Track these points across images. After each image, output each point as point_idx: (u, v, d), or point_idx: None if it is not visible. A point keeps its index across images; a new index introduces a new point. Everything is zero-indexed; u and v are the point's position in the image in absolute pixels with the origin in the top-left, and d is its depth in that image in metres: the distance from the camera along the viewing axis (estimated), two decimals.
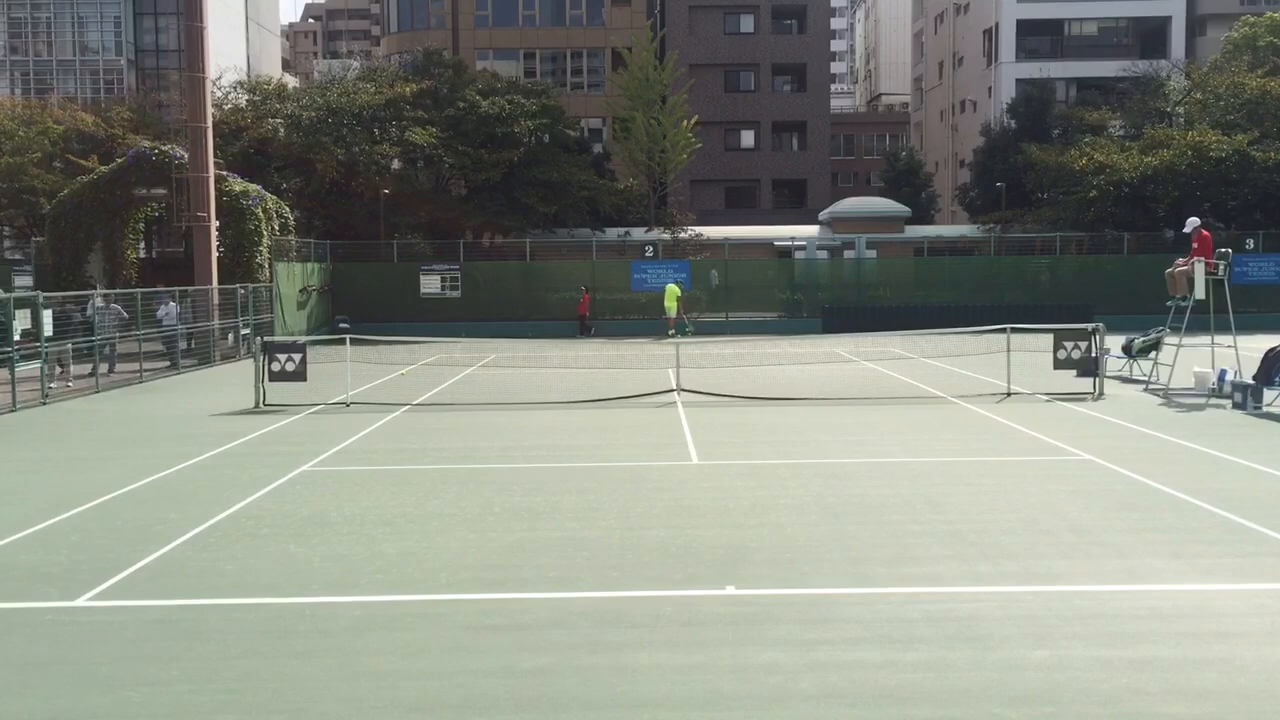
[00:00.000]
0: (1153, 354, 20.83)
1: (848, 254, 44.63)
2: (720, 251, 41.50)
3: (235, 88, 44.55)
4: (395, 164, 43.70)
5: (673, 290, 35.88)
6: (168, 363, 25.48)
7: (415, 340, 28.88)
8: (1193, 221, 19.79)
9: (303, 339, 22.05)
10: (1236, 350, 19.49)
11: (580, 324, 37.56)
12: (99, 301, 23.25)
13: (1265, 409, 16.48)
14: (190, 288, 27.52)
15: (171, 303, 25.74)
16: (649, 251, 40.49)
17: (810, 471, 12.18)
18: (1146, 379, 20.38)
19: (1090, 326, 18.87)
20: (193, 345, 26.83)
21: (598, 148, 52.63)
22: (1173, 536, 9.10)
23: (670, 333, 35.34)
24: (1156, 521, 9.63)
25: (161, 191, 30.59)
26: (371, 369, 24.17)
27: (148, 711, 5.79)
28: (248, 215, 31.14)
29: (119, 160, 32.23)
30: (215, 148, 30.99)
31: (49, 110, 44.77)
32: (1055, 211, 43.40)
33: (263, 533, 9.58)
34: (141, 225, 34.28)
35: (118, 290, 25.17)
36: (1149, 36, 59.88)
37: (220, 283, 28.89)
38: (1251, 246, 38.54)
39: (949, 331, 26.87)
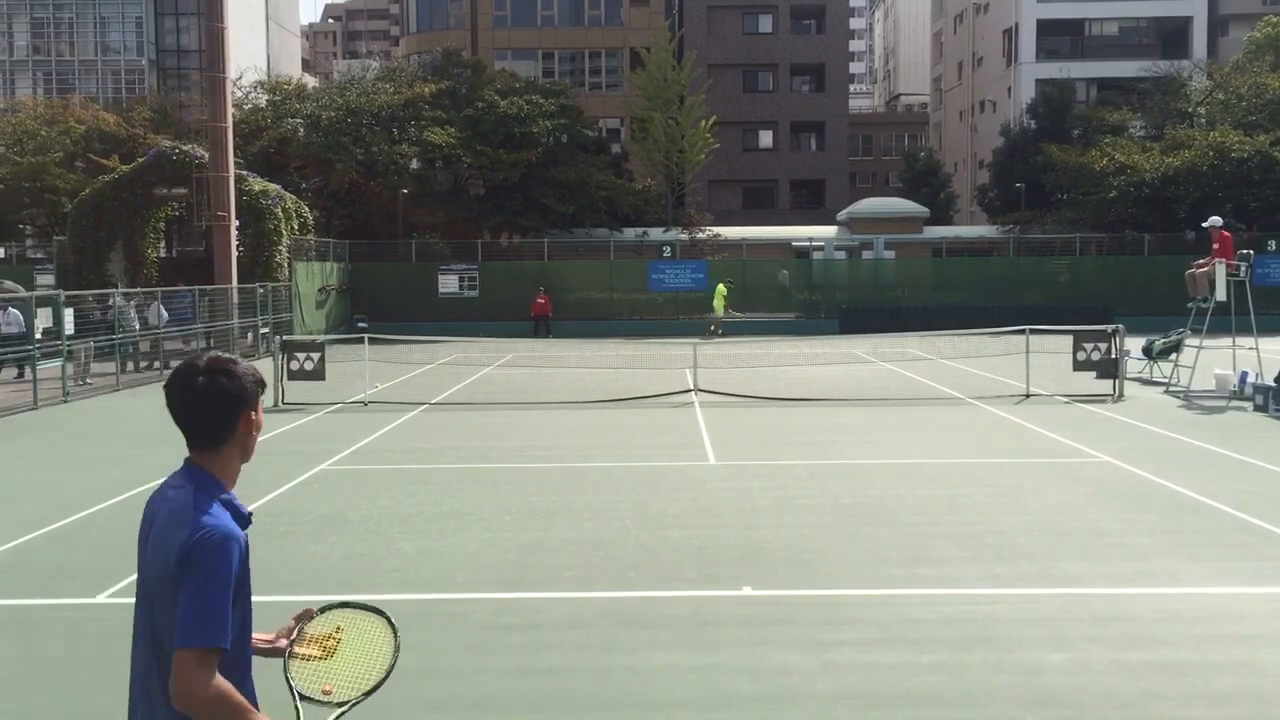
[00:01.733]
0: (1173, 356, 20.69)
1: (866, 254, 44.54)
2: (738, 252, 41.50)
3: (255, 88, 44.80)
4: (414, 164, 43.86)
5: (721, 290, 36.26)
6: (141, 365, 24.44)
7: (433, 340, 28.98)
8: (1215, 220, 19.58)
9: (321, 338, 22.14)
10: (1258, 352, 19.35)
11: (535, 324, 37.51)
12: (119, 300, 23.40)
13: None
14: (210, 286, 27.67)
15: (156, 303, 24.88)
16: (666, 252, 40.52)
17: (827, 472, 12.15)
18: (1167, 381, 20.25)
19: (1110, 328, 18.77)
20: (211, 343, 26.90)
21: (615, 148, 52.65)
22: (1192, 539, 9.05)
23: (718, 330, 35.74)
24: (1176, 524, 9.57)
25: (182, 191, 30.80)
26: (389, 368, 24.24)
27: None
28: (267, 215, 31.31)
29: (140, 160, 32.47)
30: (235, 147, 31.18)
31: (71, 110, 45.13)
32: (1075, 212, 43.20)
33: (280, 531, 9.63)
34: (162, 224, 34.52)
35: (103, 291, 24.78)
36: (1170, 36, 59.50)
37: (240, 282, 29.05)
38: (1274, 248, 38.27)
39: (967, 332, 26.76)
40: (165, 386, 2.91)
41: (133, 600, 2.82)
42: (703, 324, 38.09)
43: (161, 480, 2.92)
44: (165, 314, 24.98)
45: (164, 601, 2.66)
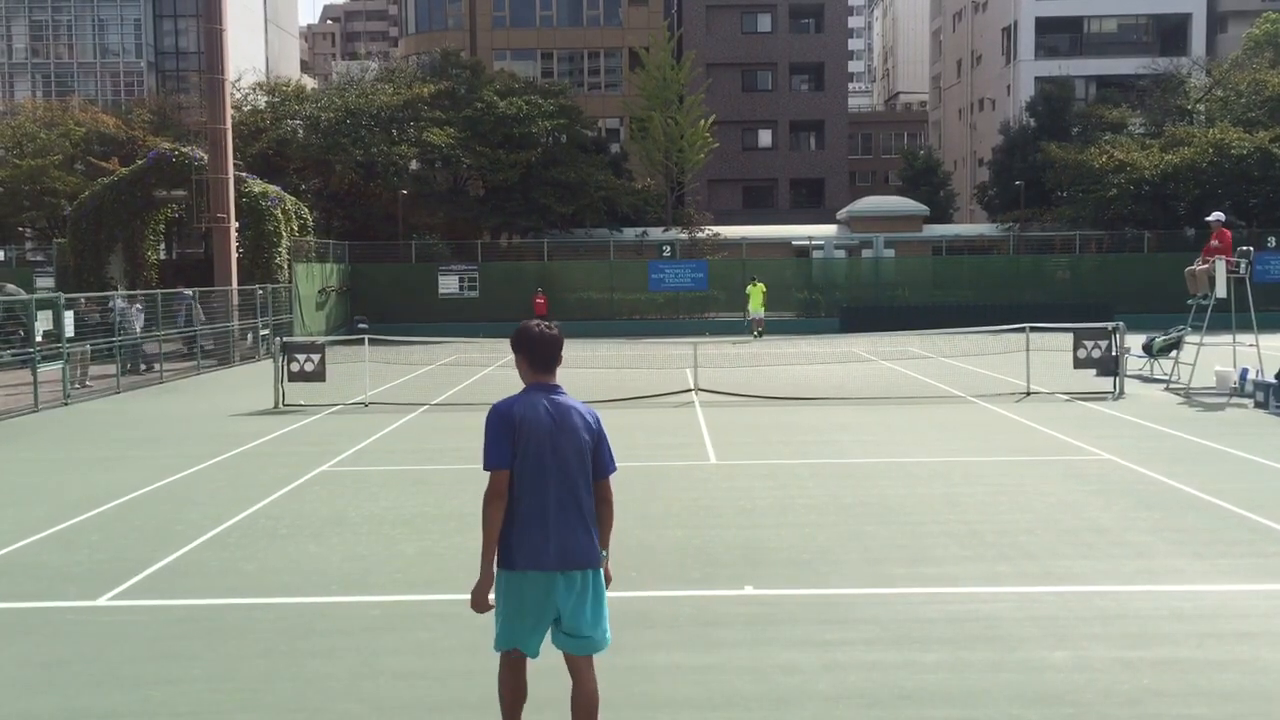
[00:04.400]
0: (1173, 353, 20.69)
1: (866, 253, 44.55)
2: (738, 251, 41.47)
3: (254, 89, 44.82)
4: (413, 165, 43.85)
5: (759, 290, 34.90)
6: (141, 368, 23.92)
7: (433, 340, 28.98)
8: (1218, 216, 19.53)
9: (321, 339, 22.13)
10: (1258, 349, 19.34)
11: None
12: (121, 302, 23.36)
13: None
14: (213, 288, 27.66)
15: (121, 303, 23.76)
16: (666, 251, 40.51)
17: (828, 471, 12.15)
18: (1167, 378, 20.25)
19: (1110, 325, 18.76)
20: (213, 345, 26.88)
21: (615, 148, 52.67)
22: (1194, 537, 9.04)
23: (757, 333, 34.66)
24: (1177, 521, 9.57)
25: (181, 193, 30.78)
26: (390, 369, 24.24)
27: (169, 710, 5.82)
28: (267, 216, 31.29)
29: (139, 162, 32.45)
30: (234, 149, 31.16)
31: (70, 112, 45.18)
32: (1075, 210, 43.19)
33: (282, 533, 9.62)
34: (162, 226, 34.48)
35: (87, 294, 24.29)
36: (1169, 33, 59.51)
37: (240, 283, 29.03)
38: (1274, 244, 38.26)
39: (968, 331, 26.75)
40: (534, 338, 4.84)
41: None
42: (705, 324, 38.11)
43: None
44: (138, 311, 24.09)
45: (585, 457, 4.73)
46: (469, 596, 4.80)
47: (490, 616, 4.87)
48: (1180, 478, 11.41)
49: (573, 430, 4.71)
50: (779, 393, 19.45)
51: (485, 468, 4.71)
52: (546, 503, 4.64)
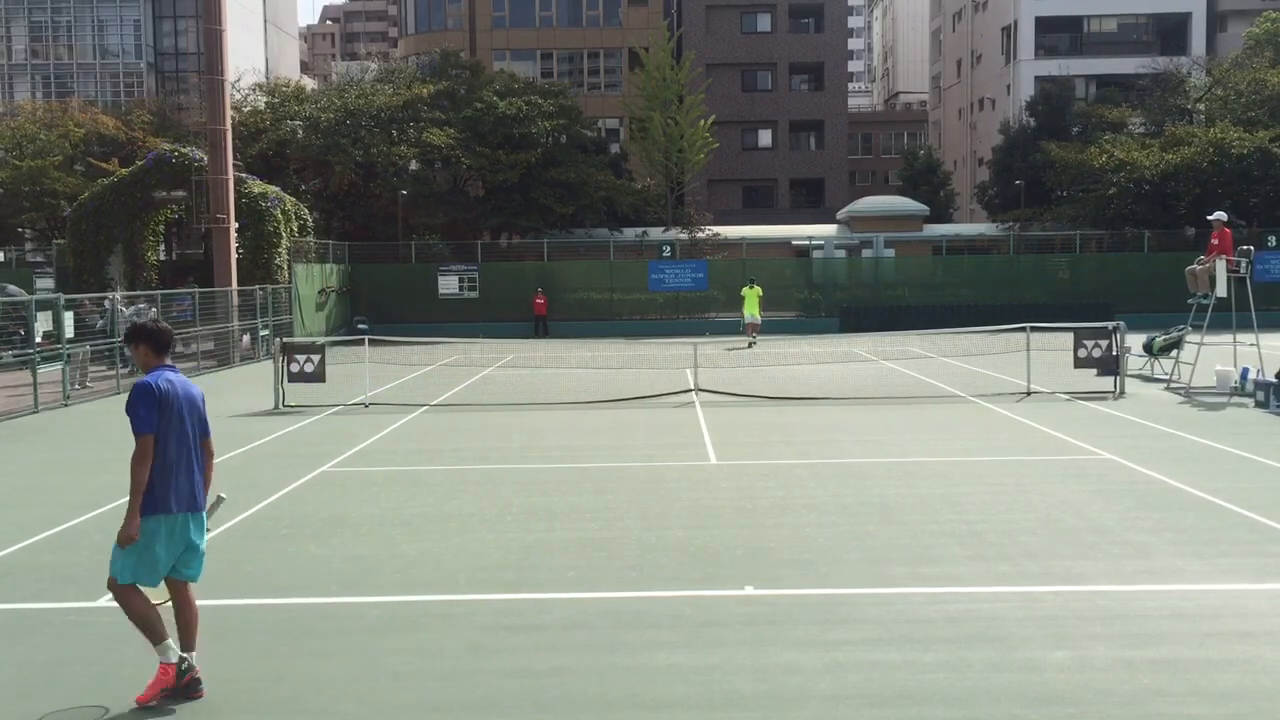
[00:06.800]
0: (1174, 352, 20.68)
1: (866, 253, 44.52)
2: (738, 251, 41.46)
3: (254, 90, 44.83)
4: (413, 165, 43.83)
5: (754, 293, 31.91)
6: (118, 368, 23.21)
7: (433, 341, 28.96)
8: (1219, 215, 19.51)
9: (321, 340, 22.12)
10: (1259, 348, 19.33)
11: (536, 324, 37.69)
12: (139, 304, 23.37)
13: None
14: (214, 289, 27.64)
15: (139, 304, 23.93)
16: (666, 251, 40.49)
17: (829, 471, 12.14)
18: (1168, 378, 20.24)
19: (1111, 325, 18.75)
20: (215, 346, 26.88)
21: (615, 148, 52.66)
22: (1194, 536, 9.04)
23: (751, 341, 31.46)
24: (1178, 521, 9.57)
25: (181, 194, 30.79)
26: (390, 370, 24.23)
27: (169, 711, 5.81)
28: (266, 217, 31.29)
29: (139, 163, 32.46)
30: (234, 150, 31.15)
31: (70, 114, 45.20)
32: (1075, 209, 43.18)
33: (282, 533, 9.62)
34: (162, 227, 34.50)
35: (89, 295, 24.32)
36: (1169, 33, 59.47)
37: (240, 284, 29.03)
38: (1274, 244, 38.24)
39: (968, 331, 26.75)
40: (151, 331, 6.02)
41: None
42: (705, 324, 38.07)
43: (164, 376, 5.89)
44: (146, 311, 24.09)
45: (203, 421, 6.13)
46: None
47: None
48: (1181, 477, 11.41)
49: (192, 400, 6.08)
50: (779, 393, 19.44)
51: (140, 432, 5.75)
52: (183, 457, 5.94)
